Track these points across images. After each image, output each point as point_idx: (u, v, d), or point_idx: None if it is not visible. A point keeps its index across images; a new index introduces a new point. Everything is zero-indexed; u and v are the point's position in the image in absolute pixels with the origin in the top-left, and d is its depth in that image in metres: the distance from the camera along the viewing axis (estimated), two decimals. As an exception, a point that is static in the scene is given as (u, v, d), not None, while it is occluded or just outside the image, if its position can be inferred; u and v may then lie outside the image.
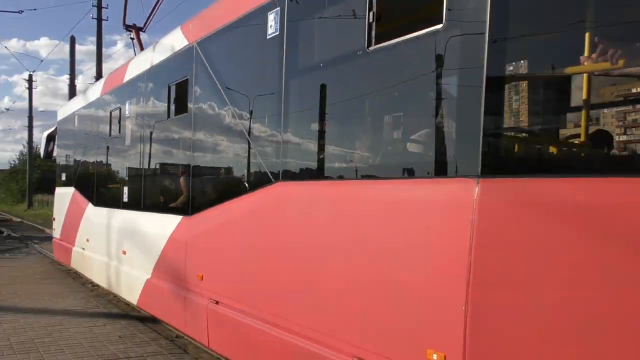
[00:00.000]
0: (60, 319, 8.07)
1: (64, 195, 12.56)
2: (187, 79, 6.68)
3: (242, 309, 5.29)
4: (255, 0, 5.33)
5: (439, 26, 3.43)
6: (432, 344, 3.35)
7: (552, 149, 3.23)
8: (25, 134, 53.96)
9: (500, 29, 3.09)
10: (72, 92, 33.13)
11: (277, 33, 4.99)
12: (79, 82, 46.75)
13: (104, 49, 29.35)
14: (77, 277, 11.59)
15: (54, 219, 13.94)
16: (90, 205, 10.53)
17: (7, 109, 77.01)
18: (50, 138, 14.61)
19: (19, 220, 35.12)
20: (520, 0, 3.11)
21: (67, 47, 35.37)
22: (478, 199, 3.12)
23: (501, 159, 3.13)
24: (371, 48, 3.94)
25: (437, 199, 3.40)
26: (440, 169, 3.44)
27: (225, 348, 5.72)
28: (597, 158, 3.06)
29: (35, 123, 47.74)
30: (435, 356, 3.32)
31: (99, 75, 27.10)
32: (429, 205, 3.44)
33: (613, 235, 2.56)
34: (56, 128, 14.15)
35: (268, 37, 5.11)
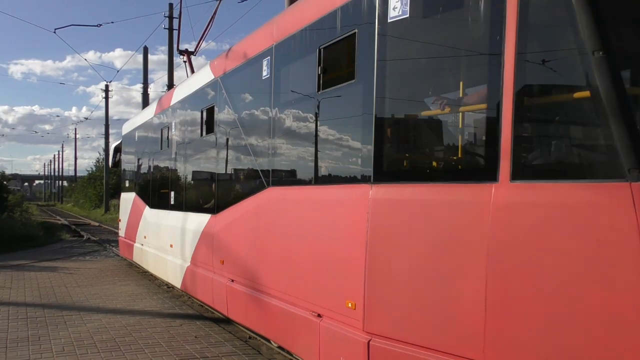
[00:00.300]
0: (139, 319, 8.66)
1: (127, 200, 14.87)
2: (213, 106, 8.58)
3: (247, 284, 7.12)
4: (255, 50, 7.16)
5: (353, 81, 5.13)
6: (348, 297, 5.04)
7: (416, 166, 4.86)
8: (102, 142, 57.31)
9: (381, 84, 4.75)
10: (145, 101, 35.03)
11: (268, 75, 6.78)
12: (151, 91, 49.03)
13: (174, 58, 30.50)
14: (153, 279, 12.55)
15: (119, 220, 16.31)
16: (147, 207, 12.70)
17: (86, 118, 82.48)
18: (117, 149, 17.02)
19: (97, 224, 37.69)
20: (393, 67, 4.76)
21: (139, 58, 36.88)
22: (371, 197, 4.79)
23: (385, 172, 4.79)
24: (320, 92, 5.67)
25: (348, 198, 5.11)
26: (351, 179, 5.15)
27: (237, 315, 7.58)
28: (442, 170, 4.67)
29: (110, 131, 50.66)
30: (350, 304, 5.01)
31: (170, 84, 28.12)
32: (344, 201, 5.16)
33: (447, 219, 4.16)
34: (121, 141, 16.50)
35: (263, 78, 6.91)
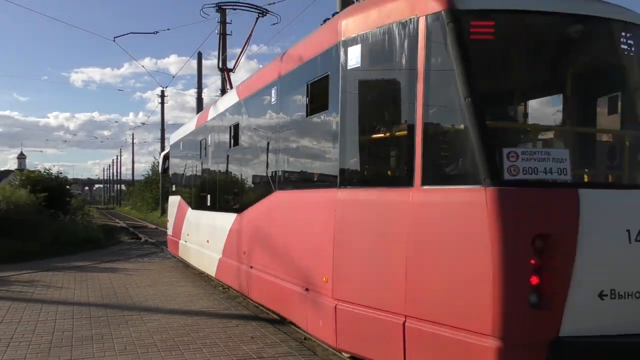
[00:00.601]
0: (197, 319, 9.08)
1: (174, 202, 17.11)
2: (238, 123, 10.54)
3: (261, 269, 9.04)
4: (266, 80, 9.06)
5: (327, 110, 6.95)
6: (324, 273, 6.85)
7: (365, 174, 6.61)
8: (158, 146, 59.41)
9: (347, 109, 6.53)
10: (200, 106, 36.21)
11: (275, 102, 8.66)
12: (205, 95, 50.28)
13: (227, 62, 30.49)
14: (208, 280, 13.24)
15: (167, 220, 18.55)
16: (189, 209, 14.85)
17: (143, 124, 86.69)
18: (166, 157, 19.33)
19: (154, 226, 39.78)
20: (351, 101, 6.54)
21: (193, 63, 36.30)
22: (338, 198, 6.60)
23: (346, 180, 6.58)
24: (307, 117, 7.50)
25: (324, 198, 6.93)
26: (326, 184, 6.97)
27: (255, 295, 9.51)
28: (381, 177, 6.41)
29: (166, 135, 53.06)
30: (324, 279, 6.80)
31: (223, 89, 28.48)
32: (322, 201, 6.98)
33: (383, 213, 5.92)
34: (169, 150, 18.75)
35: (272, 103, 8.79)
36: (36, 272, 14.88)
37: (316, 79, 7.28)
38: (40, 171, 29.27)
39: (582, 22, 5.59)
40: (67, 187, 31.61)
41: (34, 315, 9.55)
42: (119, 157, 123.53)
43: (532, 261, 4.79)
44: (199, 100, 37.16)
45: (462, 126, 5.22)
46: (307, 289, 7.37)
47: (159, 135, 54.83)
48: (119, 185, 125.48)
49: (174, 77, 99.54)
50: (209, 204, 12.79)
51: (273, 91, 8.81)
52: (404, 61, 5.81)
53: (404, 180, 5.75)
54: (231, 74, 16.91)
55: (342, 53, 6.57)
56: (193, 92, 39.45)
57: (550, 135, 6.14)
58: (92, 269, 15.64)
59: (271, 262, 8.60)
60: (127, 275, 14.36)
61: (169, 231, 18.13)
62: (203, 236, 13.00)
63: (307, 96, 7.53)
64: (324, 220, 6.85)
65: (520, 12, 5.58)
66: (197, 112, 25.48)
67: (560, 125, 6.45)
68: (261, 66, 10.91)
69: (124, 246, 24.45)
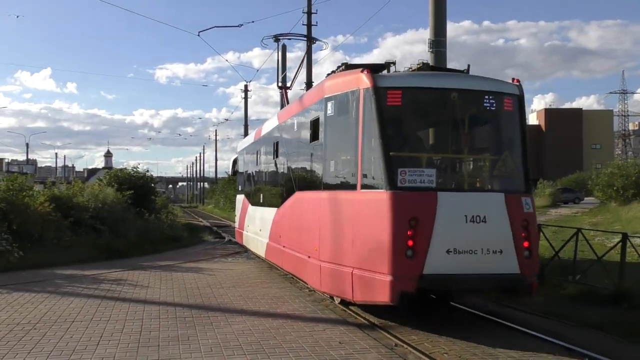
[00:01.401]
0: (282, 322, 9.71)
1: (240, 200, 22.70)
2: (278, 141, 15.70)
3: (288, 247, 14.15)
4: (292, 112, 14.23)
5: (319, 140, 11.98)
6: (315, 245, 11.89)
7: (335, 182, 11.49)
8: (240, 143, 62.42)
9: (328, 141, 11.50)
10: (283, 101, 37.45)
11: (296, 129, 13.71)
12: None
13: (312, 54, 30.81)
14: (294, 282, 14.55)
15: (235, 215, 23.95)
16: (249, 205, 20.33)
17: (226, 120, 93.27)
18: (235, 161, 24.79)
19: (236, 226, 43.57)
20: (330, 136, 11.45)
21: (276, 56, 32.24)
22: (323, 197, 11.60)
23: (328, 185, 11.53)
24: (310, 143, 12.55)
25: (316, 197, 12.02)
26: (317, 187, 12.03)
27: (284, 265, 14.79)
28: (343, 185, 11.27)
29: (249, 132, 57.26)
30: (316, 248, 11.80)
31: (309, 82, 30.14)
32: (315, 198, 12.08)
33: (342, 205, 10.89)
34: (237, 156, 24.24)
35: (294, 130, 13.87)
36: (123, 270, 16.52)
37: (314, 119, 12.27)
38: (127, 169, 31.08)
39: (455, 92, 10.35)
40: (153, 185, 33.00)
41: (122, 314, 10.53)
42: (202, 155, 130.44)
43: (409, 232, 9.58)
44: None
45: (378, 155, 9.99)
46: (309, 257, 12.35)
47: (241, 131, 58.33)
48: (201, 183, 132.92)
49: (257, 70, 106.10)
50: (261, 201, 18.15)
51: (295, 121, 13.87)
52: (353, 114, 10.72)
53: (353, 187, 10.62)
54: (289, 91, 22.12)
55: (324, 105, 11.50)
56: (276, 86, 38.64)
57: (428, 159, 10.84)
58: (177, 269, 17.24)
59: (293, 241, 13.65)
60: (211, 275, 15.74)
61: (236, 224, 23.77)
62: (257, 226, 18.40)
63: (310, 129, 12.51)
64: (316, 211, 11.82)
65: (417, 88, 10.48)
66: (281, 107, 29.19)
67: (434, 152, 11.30)
68: (346, 59, 15.81)
69: (207, 245, 27.28)
